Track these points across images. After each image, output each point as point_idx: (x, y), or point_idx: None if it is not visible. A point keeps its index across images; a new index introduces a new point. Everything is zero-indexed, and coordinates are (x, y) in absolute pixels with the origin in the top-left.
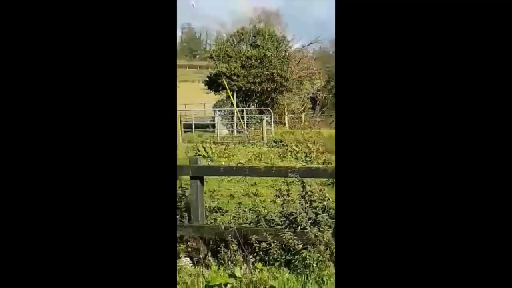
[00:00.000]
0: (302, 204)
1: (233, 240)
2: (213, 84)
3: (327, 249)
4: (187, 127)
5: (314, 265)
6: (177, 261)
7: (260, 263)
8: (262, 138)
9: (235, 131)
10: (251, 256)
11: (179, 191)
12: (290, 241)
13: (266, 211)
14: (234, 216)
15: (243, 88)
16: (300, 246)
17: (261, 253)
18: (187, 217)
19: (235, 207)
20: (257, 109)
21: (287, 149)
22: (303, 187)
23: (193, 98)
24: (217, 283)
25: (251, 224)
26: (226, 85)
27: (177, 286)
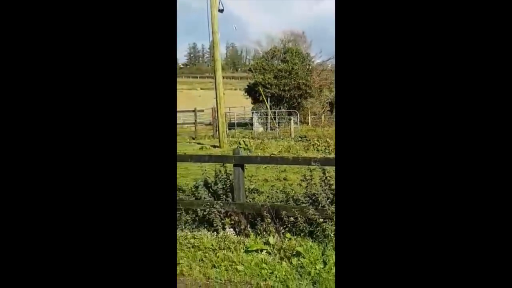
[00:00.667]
0: (322, 187)
1: (267, 214)
2: (251, 91)
3: None
4: (231, 125)
5: (332, 235)
6: (223, 231)
7: (289, 233)
8: (290, 134)
9: (269, 128)
10: (281, 228)
11: (224, 176)
12: (313, 216)
13: (293, 192)
14: (268, 196)
15: (275, 95)
16: (321, 220)
17: (289, 225)
18: (231, 196)
19: (269, 188)
20: (286, 111)
21: (310, 143)
22: (323, 173)
23: (235, 103)
24: (254, 249)
25: (282, 202)
26: (262, 92)
27: (223, 251)
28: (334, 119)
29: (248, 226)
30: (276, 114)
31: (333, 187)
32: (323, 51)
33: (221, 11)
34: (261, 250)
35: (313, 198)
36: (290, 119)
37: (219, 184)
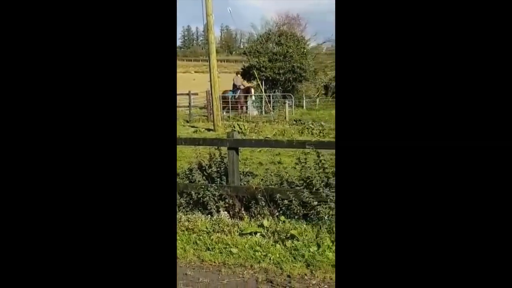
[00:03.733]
0: (316, 170)
1: (262, 198)
2: (246, 74)
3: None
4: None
5: (326, 218)
6: (217, 214)
7: (283, 216)
8: (285, 117)
9: (263, 112)
10: (276, 211)
11: (218, 159)
12: (307, 199)
13: (288, 175)
14: (262, 179)
15: (270, 78)
16: (315, 203)
17: (284, 208)
18: (225, 180)
19: (263, 172)
20: (281, 95)
21: (304, 126)
22: (318, 156)
23: (230, 86)
24: (249, 231)
25: (276, 185)
26: (256, 75)
27: (217, 233)
28: (329, 102)
29: (243, 209)
30: (271, 98)
31: (328, 170)
32: (318, 34)
33: None
34: (255, 233)
35: (307, 181)
36: (284, 103)
37: (213, 167)
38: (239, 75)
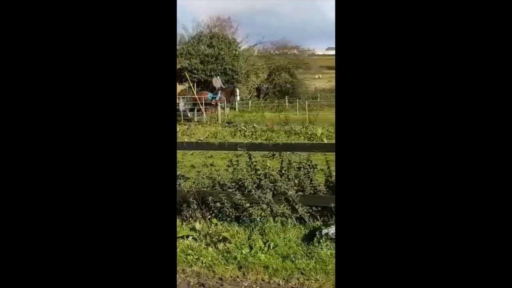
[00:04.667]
0: (248, 172)
1: (194, 200)
2: (177, 76)
3: (268, 207)
4: None
5: (258, 219)
6: None
7: (215, 218)
8: (217, 120)
9: (196, 114)
10: (208, 213)
11: None
12: (239, 201)
13: (220, 177)
14: (194, 182)
15: (202, 80)
16: (247, 205)
17: (216, 211)
18: None
19: (195, 174)
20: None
21: (237, 129)
22: (250, 158)
23: None
24: (180, 235)
25: (208, 188)
26: (188, 77)
27: None
28: (261, 105)
29: None
30: (203, 100)
31: (259, 172)
32: (249, 36)
33: None
34: (187, 236)
35: (240, 183)
36: (217, 105)
37: None
38: (218, 77)
